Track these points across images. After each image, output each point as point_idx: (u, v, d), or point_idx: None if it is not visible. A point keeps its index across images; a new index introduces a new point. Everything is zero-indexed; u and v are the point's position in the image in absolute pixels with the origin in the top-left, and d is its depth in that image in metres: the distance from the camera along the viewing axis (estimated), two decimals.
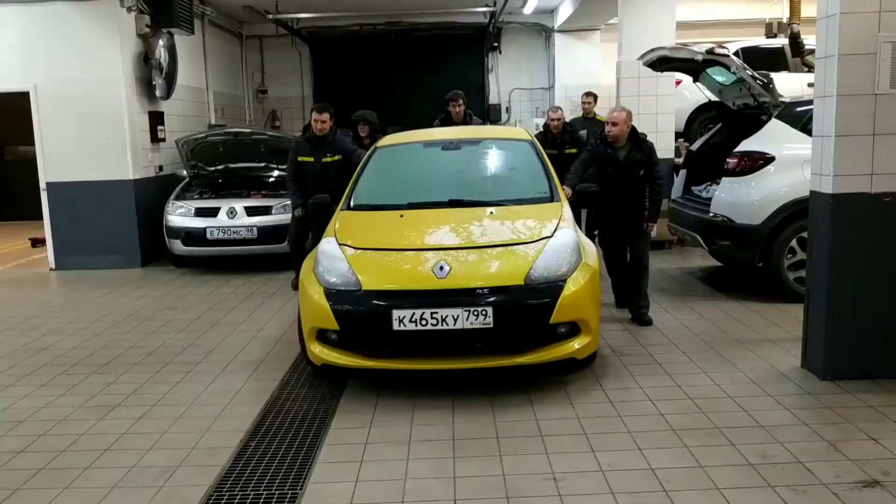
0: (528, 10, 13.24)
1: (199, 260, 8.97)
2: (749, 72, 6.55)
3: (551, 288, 4.26)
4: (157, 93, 9.68)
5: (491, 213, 4.99)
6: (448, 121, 7.83)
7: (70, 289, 8.24)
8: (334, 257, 4.60)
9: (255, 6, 11.99)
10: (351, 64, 14.54)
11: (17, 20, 9.03)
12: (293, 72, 14.64)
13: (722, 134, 7.54)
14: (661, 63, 7.03)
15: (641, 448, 3.63)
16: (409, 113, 14.30)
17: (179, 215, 8.78)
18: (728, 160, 6.49)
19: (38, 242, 11.27)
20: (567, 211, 5.03)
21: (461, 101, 7.79)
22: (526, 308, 4.21)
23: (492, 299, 4.15)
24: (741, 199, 6.35)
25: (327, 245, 4.77)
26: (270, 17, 12.36)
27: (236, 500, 3.23)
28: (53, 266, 9.39)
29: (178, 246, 8.78)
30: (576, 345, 4.32)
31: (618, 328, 5.75)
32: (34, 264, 9.90)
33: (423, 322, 4.12)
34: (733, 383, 4.48)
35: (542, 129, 8.37)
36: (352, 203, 5.46)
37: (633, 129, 5.80)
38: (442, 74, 14.47)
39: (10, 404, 4.60)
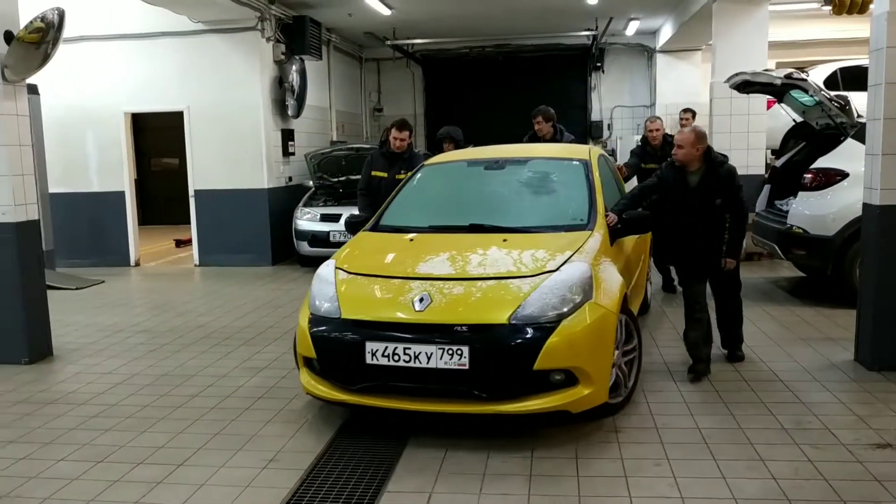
0: (630, 31, 13.89)
1: (323, 259, 10.09)
2: (826, 94, 7.04)
3: (539, 329, 3.80)
4: (289, 112, 10.96)
5: (504, 240, 4.51)
6: (535, 138, 7.61)
7: (213, 281, 9.54)
8: (325, 282, 4.40)
9: (375, 32, 13.19)
10: (460, 84, 15.55)
11: (175, 49, 10.49)
12: (406, 91, 15.79)
13: (805, 152, 8.00)
14: (745, 86, 7.59)
15: (693, 413, 4.32)
16: (514, 131, 15.18)
17: (307, 220, 10.01)
18: (805, 176, 7.00)
19: (181, 243, 12.83)
20: (594, 242, 4.49)
21: (541, 118, 7.43)
22: (506, 351, 3.77)
23: (469, 338, 3.77)
24: (816, 211, 6.85)
25: (324, 268, 4.59)
26: (388, 42, 13.54)
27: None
28: (197, 262, 10.78)
29: (304, 247, 10.01)
30: (568, 397, 3.83)
31: None
32: (180, 261, 11.36)
33: (396, 357, 3.81)
34: (787, 370, 5.08)
35: (639, 144, 8.05)
36: (380, 223, 5.23)
37: (709, 150, 4.97)
38: (546, 93, 15.23)
39: (180, 364, 5.73)
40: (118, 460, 3.93)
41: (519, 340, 3.78)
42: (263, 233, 10.56)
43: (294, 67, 10.84)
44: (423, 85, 15.83)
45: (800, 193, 7.08)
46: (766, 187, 8.31)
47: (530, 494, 3.39)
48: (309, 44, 11.00)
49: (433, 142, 11.96)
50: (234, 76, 10.38)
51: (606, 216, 4.86)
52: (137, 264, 10.94)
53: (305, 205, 10.38)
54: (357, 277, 4.36)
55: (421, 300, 3.98)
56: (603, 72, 15.33)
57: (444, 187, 5.69)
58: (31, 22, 5.54)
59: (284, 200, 10.80)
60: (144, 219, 15.31)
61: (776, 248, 7.29)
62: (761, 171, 9.90)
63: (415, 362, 3.79)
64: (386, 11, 11.13)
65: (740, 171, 9.61)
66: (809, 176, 6.95)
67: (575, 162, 5.44)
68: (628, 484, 3.47)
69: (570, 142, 7.16)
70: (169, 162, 16.75)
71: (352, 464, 3.75)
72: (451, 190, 5.65)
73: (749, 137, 9.86)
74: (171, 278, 9.95)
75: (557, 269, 4.12)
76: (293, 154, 11.23)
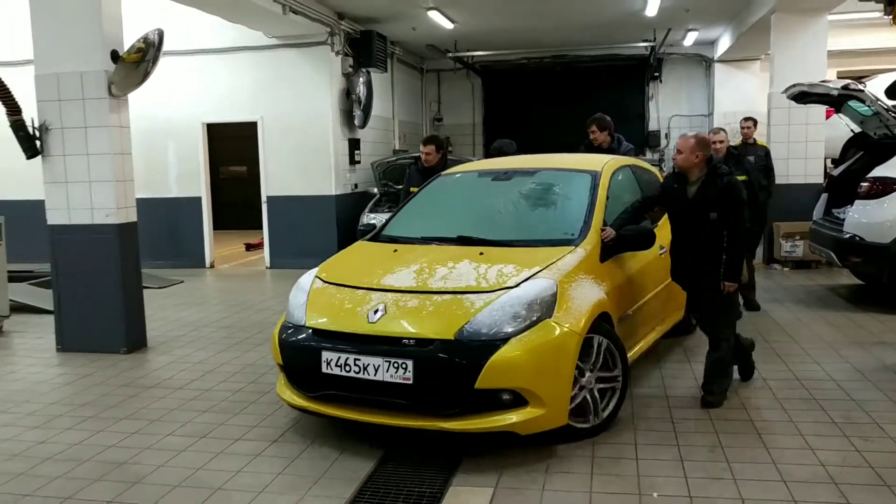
0: (688, 42, 14.04)
1: None
2: (883, 104, 7.18)
3: (483, 347, 3.72)
4: (356, 122, 11.47)
5: (481, 254, 4.44)
6: (591, 147, 7.41)
7: (283, 282, 10.03)
8: (300, 289, 4.49)
9: (437, 45, 13.65)
10: (518, 94, 15.88)
11: (251, 63, 11.09)
12: (466, 101, 16.20)
13: (862, 161, 8.12)
14: (803, 97, 7.76)
15: (746, 408, 4.58)
16: (570, 140, 15.43)
17: (372, 225, 10.46)
18: (861, 185, 7.15)
19: (251, 247, 13.45)
20: (573, 258, 4.34)
21: (595, 127, 7.23)
22: (448, 367, 3.72)
23: (414, 352, 3.77)
24: (872, 219, 7.00)
25: (304, 277, 4.65)
26: (450, 54, 13.97)
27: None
28: (268, 265, 11.35)
29: None
30: (514, 418, 3.73)
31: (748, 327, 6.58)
32: (252, 263, 11.95)
33: (347, 368, 3.87)
34: (839, 371, 5.28)
35: None
36: (381, 232, 5.25)
37: (711, 159, 4.68)
38: (603, 103, 15.38)
39: (261, 356, 6.19)
40: (218, 436, 4.39)
41: (461, 357, 3.72)
42: (330, 237, 11.05)
43: (361, 80, 11.34)
44: (482, 95, 16.21)
45: (856, 202, 7.23)
46: (824, 196, 8.44)
47: (593, 474, 3.71)
48: (375, 57, 11.50)
49: (489, 152, 12.29)
50: (305, 88, 10.93)
51: (603, 231, 4.63)
52: (212, 266, 11.57)
53: (371, 210, 10.88)
54: (328, 287, 4.42)
55: (376, 312, 4.00)
56: (661, 81, 15.49)
57: (449, 198, 5.61)
58: (134, 43, 6.10)
59: (350, 206, 11.30)
60: (214, 224, 15.93)
61: (833, 255, 7.43)
62: (819, 180, 9.99)
63: (364, 374, 3.82)
64: (449, 25, 11.56)
65: (797, 181, 9.90)
66: (866, 185, 7.10)
67: (583, 174, 5.18)
68: (684, 466, 3.77)
69: (628, 151, 7.11)
70: (237, 170, 17.50)
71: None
72: (454, 201, 5.57)
73: (807, 147, 9.99)
74: (245, 279, 10.53)
75: (517, 285, 4.02)
76: (359, 162, 11.73)
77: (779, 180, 8.89)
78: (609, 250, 4.63)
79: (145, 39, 6.10)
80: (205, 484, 3.75)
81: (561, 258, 4.32)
